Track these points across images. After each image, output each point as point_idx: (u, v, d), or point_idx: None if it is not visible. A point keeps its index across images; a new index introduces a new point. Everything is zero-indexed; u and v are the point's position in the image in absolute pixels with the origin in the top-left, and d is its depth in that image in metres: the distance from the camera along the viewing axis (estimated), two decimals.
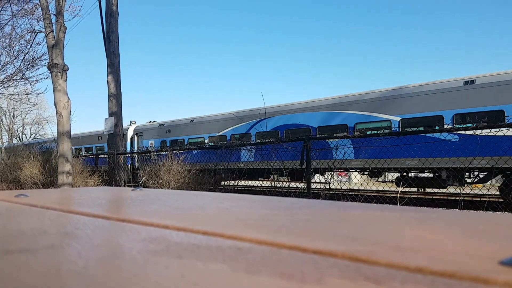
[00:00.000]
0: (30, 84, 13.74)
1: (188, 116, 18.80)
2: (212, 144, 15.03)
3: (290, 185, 8.44)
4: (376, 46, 69.20)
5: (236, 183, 11.72)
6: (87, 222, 0.79)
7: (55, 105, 8.83)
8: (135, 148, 19.81)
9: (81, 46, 63.20)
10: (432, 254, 0.50)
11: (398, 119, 11.62)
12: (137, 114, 74.77)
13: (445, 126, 10.25)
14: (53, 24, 9.05)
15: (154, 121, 21.11)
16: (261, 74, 77.46)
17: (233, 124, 16.14)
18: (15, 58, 13.15)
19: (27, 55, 12.77)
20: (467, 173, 10.56)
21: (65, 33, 9.02)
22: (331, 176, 10.91)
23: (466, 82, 10.53)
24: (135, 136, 20.86)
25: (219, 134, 16.56)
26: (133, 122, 21.87)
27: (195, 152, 10.87)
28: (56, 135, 9.19)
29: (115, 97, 10.75)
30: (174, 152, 9.49)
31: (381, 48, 69.69)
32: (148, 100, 76.10)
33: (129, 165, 18.82)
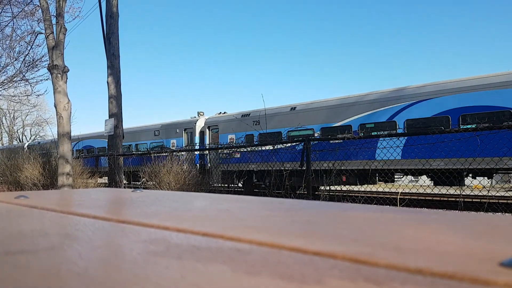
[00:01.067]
0: (30, 85, 13.80)
1: (287, 104, 14.80)
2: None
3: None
4: (376, 47, 69.30)
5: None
6: (88, 224, 0.79)
7: (55, 106, 8.84)
8: (207, 145, 16.16)
9: (81, 47, 63.32)
10: (432, 255, 0.50)
11: None
12: (138, 115, 74.82)
13: None
14: (53, 25, 9.06)
15: (224, 112, 17.72)
16: (261, 75, 77.56)
17: (363, 110, 12.23)
18: (15, 60, 13.20)
19: (27, 56, 12.83)
20: None
21: (65, 34, 9.03)
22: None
23: None
24: (207, 130, 17.25)
25: (339, 124, 12.67)
26: (201, 113, 18.39)
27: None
28: (56, 137, 9.20)
29: (115, 99, 10.75)
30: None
31: (381, 49, 69.79)
32: (148, 101, 76.19)
33: (197, 164, 15.42)
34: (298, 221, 0.81)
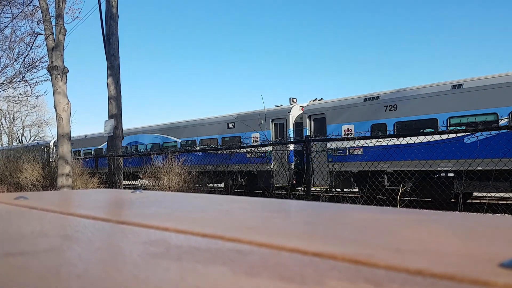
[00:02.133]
0: (30, 86, 13.81)
1: (443, 81, 10.76)
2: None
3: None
4: (375, 47, 69.32)
5: None
6: (87, 225, 0.79)
7: (55, 107, 8.85)
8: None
9: (81, 48, 63.32)
10: (431, 256, 0.50)
11: None
12: (138, 116, 74.85)
13: None
14: (53, 26, 9.07)
15: (321, 99, 14.41)
16: (261, 75, 77.57)
17: None
18: (15, 61, 13.22)
19: (27, 57, 12.85)
20: None
21: (65, 35, 9.04)
22: None
23: None
24: (307, 119, 13.72)
25: None
26: (293, 100, 15.04)
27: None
28: (56, 138, 9.20)
29: (115, 99, 10.75)
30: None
31: (380, 49, 69.81)
32: (148, 101, 76.20)
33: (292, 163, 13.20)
34: (298, 222, 0.81)
